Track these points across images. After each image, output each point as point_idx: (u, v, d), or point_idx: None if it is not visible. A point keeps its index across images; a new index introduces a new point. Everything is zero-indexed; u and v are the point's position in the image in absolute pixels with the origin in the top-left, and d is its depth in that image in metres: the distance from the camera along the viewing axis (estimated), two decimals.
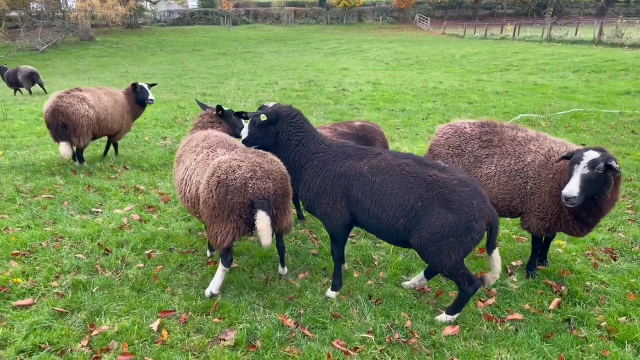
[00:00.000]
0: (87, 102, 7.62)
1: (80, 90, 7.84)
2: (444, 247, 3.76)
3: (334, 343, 3.85)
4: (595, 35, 32.35)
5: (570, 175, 3.98)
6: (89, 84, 19.55)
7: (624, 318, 4.17)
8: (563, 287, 4.64)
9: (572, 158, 4.02)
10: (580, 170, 3.92)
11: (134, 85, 8.49)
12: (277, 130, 4.44)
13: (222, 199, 4.06)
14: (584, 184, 3.89)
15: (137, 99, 8.47)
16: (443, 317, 4.16)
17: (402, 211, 3.87)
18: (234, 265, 5.04)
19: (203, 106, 5.72)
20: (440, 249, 3.77)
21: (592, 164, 3.89)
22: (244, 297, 4.46)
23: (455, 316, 4.13)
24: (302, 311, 4.27)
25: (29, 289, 4.49)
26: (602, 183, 3.96)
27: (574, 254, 5.38)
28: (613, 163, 3.88)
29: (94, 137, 8.05)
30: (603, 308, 4.35)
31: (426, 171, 3.90)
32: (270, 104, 4.80)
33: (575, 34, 35.83)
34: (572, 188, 3.89)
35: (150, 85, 8.64)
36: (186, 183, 4.61)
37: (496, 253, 3.99)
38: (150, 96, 8.51)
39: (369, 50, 35.62)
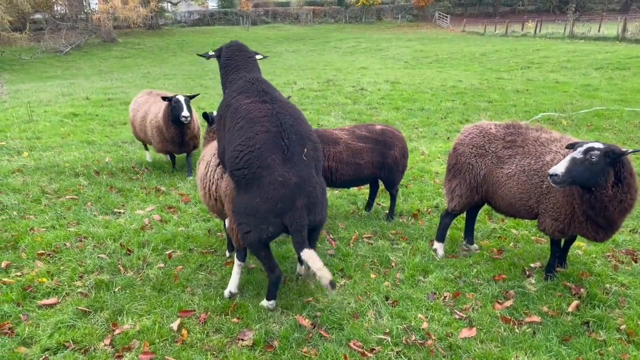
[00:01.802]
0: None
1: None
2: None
3: (351, 344, 3.89)
4: (619, 31, 31.72)
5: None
6: (111, 85, 19.88)
7: None
8: (582, 290, 4.60)
9: (574, 145, 4.08)
10: (574, 154, 3.96)
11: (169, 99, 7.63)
12: None
13: None
14: (571, 167, 3.90)
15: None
16: (264, 302, 4.36)
17: None
18: (252, 265, 5.11)
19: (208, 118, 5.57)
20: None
21: (587, 150, 3.92)
22: (262, 297, 4.52)
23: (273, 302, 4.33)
24: (318, 312, 4.32)
25: (54, 289, 4.61)
26: (597, 173, 3.91)
27: (594, 255, 5.33)
28: (614, 151, 3.87)
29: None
30: (623, 311, 4.30)
31: None
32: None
33: (599, 31, 35.16)
34: (557, 167, 3.94)
35: (191, 97, 7.67)
36: (210, 180, 4.68)
37: (306, 252, 3.80)
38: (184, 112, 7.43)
39: (388, 49, 35.51)
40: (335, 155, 5.78)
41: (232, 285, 4.55)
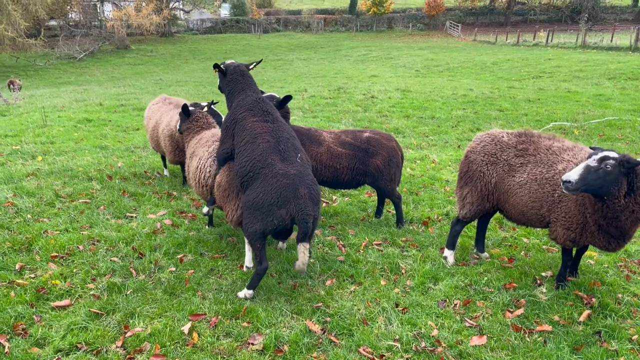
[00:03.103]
0: None
1: None
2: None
3: (361, 350, 3.89)
4: (632, 41, 31.59)
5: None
6: (124, 91, 20.09)
7: None
8: (594, 299, 4.57)
9: (590, 153, 4.07)
10: (589, 161, 3.95)
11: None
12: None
13: (232, 182, 4.91)
14: (585, 174, 3.89)
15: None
16: (243, 291, 4.67)
17: None
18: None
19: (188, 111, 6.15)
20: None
21: (602, 158, 3.90)
22: (272, 302, 4.55)
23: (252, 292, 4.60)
24: (328, 318, 4.33)
25: (67, 291, 4.67)
26: (611, 182, 3.89)
27: (606, 265, 5.30)
28: (629, 160, 3.86)
29: None
30: (635, 321, 4.27)
31: None
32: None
33: (611, 40, 35.05)
34: (571, 174, 3.92)
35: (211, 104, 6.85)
36: (201, 171, 5.41)
37: (301, 245, 4.31)
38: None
39: (399, 57, 35.57)
40: (316, 156, 5.99)
41: (247, 260, 5.16)
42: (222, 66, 5.26)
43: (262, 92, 5.61)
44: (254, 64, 5.55)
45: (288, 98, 5.81)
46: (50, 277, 4.83)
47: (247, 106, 4.89)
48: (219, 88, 5.46)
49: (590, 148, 4.31)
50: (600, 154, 3.96)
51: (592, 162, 3.93)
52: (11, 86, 21.84)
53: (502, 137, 5.00)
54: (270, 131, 4.66)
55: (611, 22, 53.15)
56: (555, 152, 4.61)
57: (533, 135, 4.88)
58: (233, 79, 5.19)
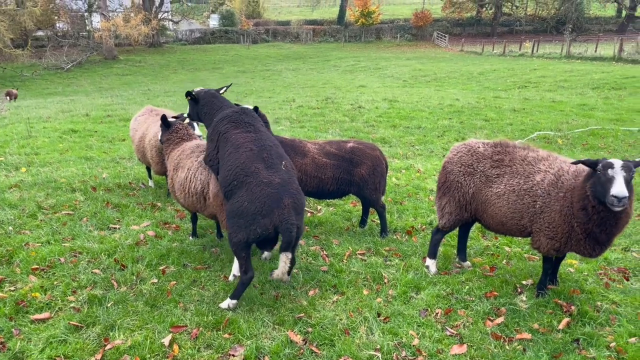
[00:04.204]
0: None
1: None
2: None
3: None
4: (616, 51, 32.10)
5: (609, 179, 3.88)
6: (111, 102, 20.02)
7: (634, 339, 4.14)
8: (573, 307, 4.62)
9: (602, 164, 3.98)
10: (621, 174, 3.87)
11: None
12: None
13: None
14: (627, 186, 3.85)
15: None
16: (226, 302, 4.65)
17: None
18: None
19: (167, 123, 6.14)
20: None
21: (627, 167, 3.90)
22: (254, 313, 4.54)
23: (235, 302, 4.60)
24: (310, 328, 4.33)
25: (47, 303, 4.63)
26: (630, 188, 3.94)
27: (586, 273, 5.36)
28: (636, 164, 3.93)
29: None
30: (613, 328, 4.32)
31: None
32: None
33: (595, 51, 35.59)
34: (622, 189, 3.80)
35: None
36: (190, 180, 5.38)
37: (283, 255, 4.30)
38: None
39: (387, 68, 35.82)
40: (301, 167, 6.02)
41: (235, 269, 5.15)
42: (193, 93, 5.49)
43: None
44: (224, 88, 5.90)
45: (255, 109, 5.86)
46: (30, 290, 4.79)
47: (229, 118, 4.98)
48: (189, 116, 5.75)
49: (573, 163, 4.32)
50: (617, 163, 3.92)
51: (623, 173, 3.88)
52: (7, 97, 21.72)
53: (479, 147, 5.05)
54: (253, 140, 4.71)
55: (595, 32, 53.91)
56: (531, 163, 4.66)
57: (508, 145, 4.93)
58: (208, 102, 5.43)
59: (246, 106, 5.81)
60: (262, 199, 4.29)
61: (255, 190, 4.34)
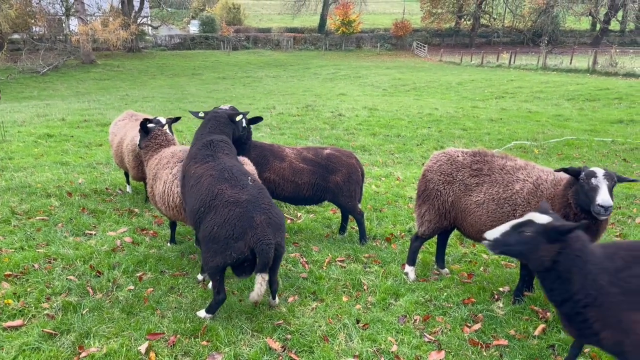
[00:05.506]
0: None
1: None
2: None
3: None
4: (590, 64, 32.86)
5: (592, 188, 3.93)
6: (88, 106, 19.75)
7: None
8: (549, 314, 4.69)
9: (585, 172, 4.02)
10: (603, 181, 3.92)
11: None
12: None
13: None
14: (611, 195, 3.91)
15: None
16: (202, 312, 4.56)
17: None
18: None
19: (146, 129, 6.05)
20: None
21: (609, 175, 3.95)
22: (232, 320, 4.50)
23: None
24: (289, 335, 4.31)
25: (20, 310, 4.52)
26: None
27: None
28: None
29: None
30: None
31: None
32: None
33: (570, 63, 36.36)
34: (607, 198, 3.85)
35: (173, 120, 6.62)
36: (168, 194, 5.30)
37: (259, 276, 4.16)
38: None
39: (367, 76, 36.07)
40: (279, 170, 6.11)
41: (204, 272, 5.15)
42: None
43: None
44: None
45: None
46: (2, 297, 4.68)
47: (190, 157, 4.92)
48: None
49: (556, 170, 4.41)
50: (600, 172, 3.98)
51: (606, 181, 3.93)
52: None
53: (458, 156, 5.11)
54: (212, 167, 4.58)
55: (570, 45, 55.12)
56: (510, 172, 4.73)
57: (487, 154, 5.00)
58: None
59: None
60: (231, 221, 4.11)
61: (223, 212, 4.15)
